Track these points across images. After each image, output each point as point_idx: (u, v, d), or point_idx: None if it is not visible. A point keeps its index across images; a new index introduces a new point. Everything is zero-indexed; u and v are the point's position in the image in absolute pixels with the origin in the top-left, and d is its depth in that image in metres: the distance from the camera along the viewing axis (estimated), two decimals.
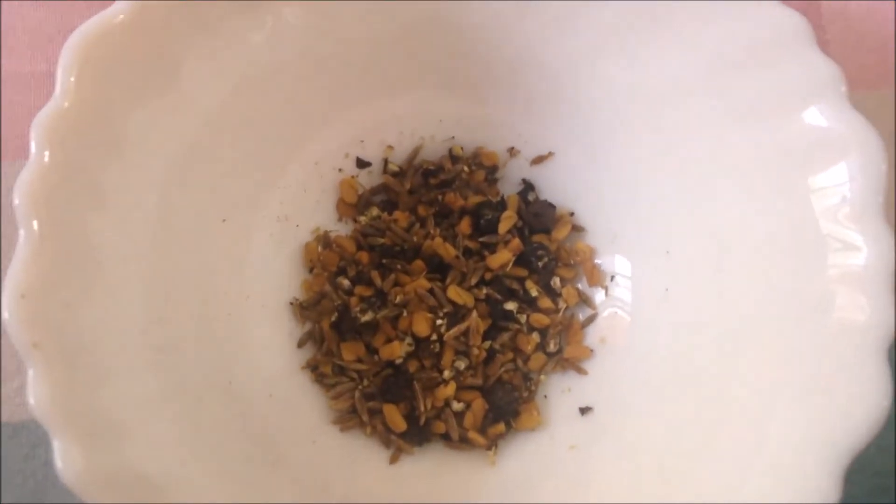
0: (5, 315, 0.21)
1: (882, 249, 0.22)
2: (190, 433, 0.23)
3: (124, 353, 0.22)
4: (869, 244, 0.23)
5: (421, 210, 0.30)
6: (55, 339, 0.21)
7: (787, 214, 0.24)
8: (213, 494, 0.22)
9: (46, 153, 0.22)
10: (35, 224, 0.22)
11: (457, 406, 0.28)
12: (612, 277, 0.29)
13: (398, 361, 0.28)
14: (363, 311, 0.28)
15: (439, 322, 0.28)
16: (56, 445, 0.20)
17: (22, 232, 0.21)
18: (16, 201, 0.22)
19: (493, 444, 0.28)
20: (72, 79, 0.23)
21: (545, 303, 0.29)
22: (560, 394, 0.29)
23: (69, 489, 0.20)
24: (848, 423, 0.22)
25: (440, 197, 0.30)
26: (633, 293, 0.29)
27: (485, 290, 0.29)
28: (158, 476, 0.21)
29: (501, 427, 0.28)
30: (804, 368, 0.23)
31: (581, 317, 0.30)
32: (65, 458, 0.20)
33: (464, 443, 0.28)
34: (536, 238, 0.30)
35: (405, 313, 0.28)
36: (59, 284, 0.22)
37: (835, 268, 0.23)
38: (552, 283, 0.30)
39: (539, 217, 0.30)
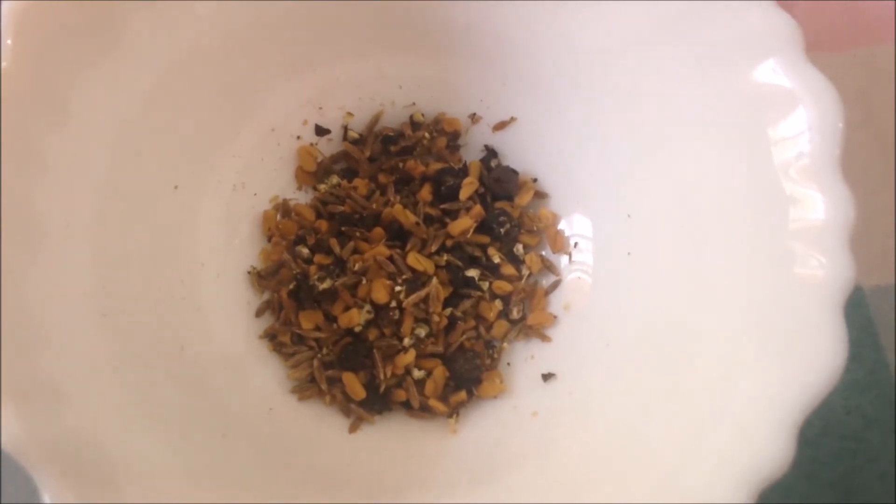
0: None
1: (839, 205, 0.22)
2: (140, 400, 0.23)
3: (69, 318, 0.22)
4: (826, 200, 0.23)
5: (381, 178, 0.30)
6: None
7: (747, 169, 0.24)
8: (165, 461, 0.22)
9: None
10: None
11: (417, 374, 0.28)
12: (576, 244, 0.29)
13: (357, 329, 0.28)
14: (322, 280, 0.28)
15: (398, 289, 0.28)
16: None
17: None
18: None
19: (454, 411, 0.28)
20: (8, 41, 0.22)
21: (508, 270, 0.29)
22: (523, 361, 0.29)
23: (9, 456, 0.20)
24: (804, 379, 0.21)
25: (401, 164, 0.30)
26: (596, 258, 0.29)
27: (446, 258, 0.29)
28: (105, 443, 0.21)
29: (463, 395, 0.28)
30: (763, 326, 0.23)
31: (544, 283, 0.30)
32: (4, 426, 0.20)
33: (425, 411, 0.28)
34: (499, 205, 0.30)
35: (364, 281, 0.28)
36: (3, 254, 0.21)
37: (794, 223, 0.23)
38: (515, 249, 0.30)
39: (501, 183, 0.30)
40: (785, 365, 0.22)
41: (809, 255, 0.22)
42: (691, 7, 0.24)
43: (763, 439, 0.21)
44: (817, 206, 0.23)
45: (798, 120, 0.23)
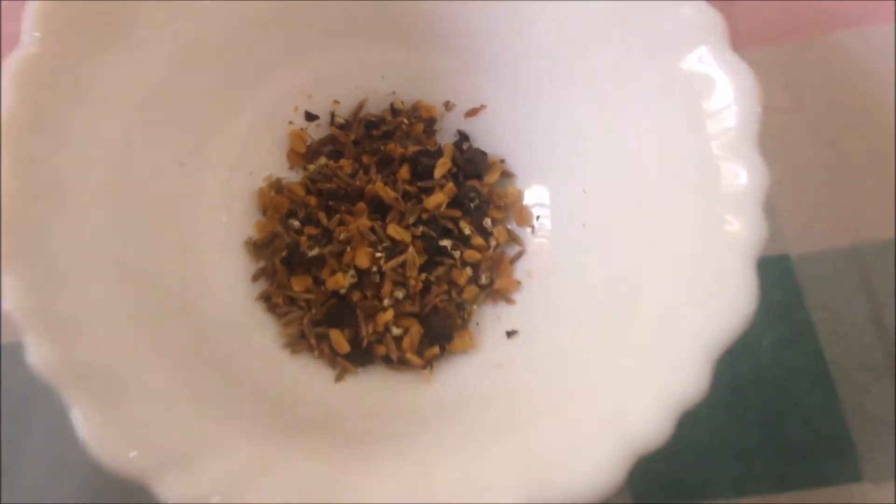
0: None
1: (756, 175, 0.25)
2: (150, 339, 0.26)
3: (89, 267, 0.25)
4: (746, 170, 0.26)
5: (364, 158, 0.33)
6: (25, 253, 0.24)
7: (685, 142, 0.27)
8: (174, 390, 0.25)
9: (15, 95, 0.25)
10: (6, 158, 0.25)
11: (396, 331, 0.31)
12: (538, 217, 0.33)
13: (342, 292, 0.31)
14: (311, 248, 0.31)
15: (379, 255, 0.31)
16: (27, 341, 0.23)
17: None
18: None
19: (428, 364, 0.31)
20: (36, 33, 0.26)
21: (477, 240, 0.33)
22: (491, 321, 0.32)
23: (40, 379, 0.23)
24: (724, 321, 0.24)
25: (382, 147, 0.33)
26: (555, 228, 0.32)
27: (421, 229, 0.32)
28: (120, 371, 0.24)
29: (436, 350, 0.31)
30: (695, 279, 0.26)
31: (510, 253, 0.33)
32: (34, 351, 0.23)
33: (402, 364, 0.31)
34: (470, 183, 0.33)
35: (349, 249, 0.31)
36: (28, 209, 0.24)
37: (724, 189, 0.26)
38: (484, 223, 0.33)
39: (472, 163, 0.33)
40: (709, 310, 0.24)
41: (733, 217, 0.25)
42: (636, 4, 0.28)
43: (690, 373, 0.24)
44: (740, 175, 0.25)
45: (724, 99, 0.26)
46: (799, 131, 0.33)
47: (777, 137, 0.33)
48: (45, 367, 0.23)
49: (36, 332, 0.23)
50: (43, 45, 0.25)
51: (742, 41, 0.33)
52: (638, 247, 0.28)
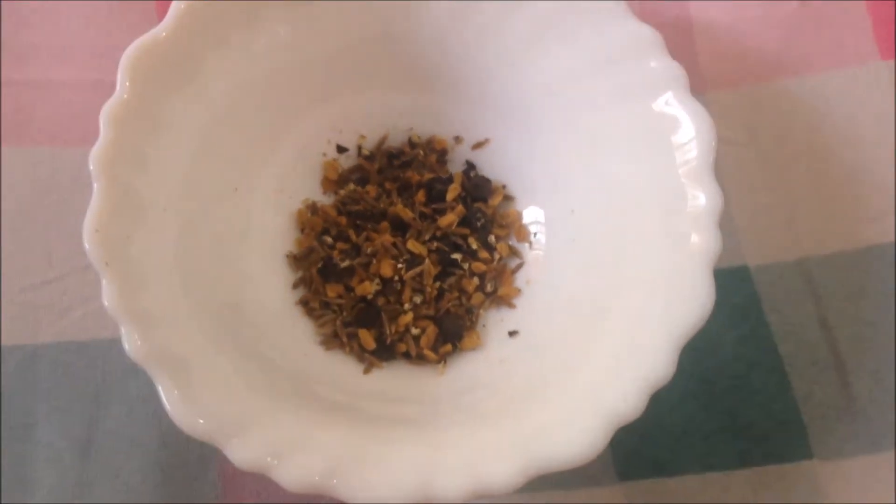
0: (86, 244, 0.29)
1: (712, 198, 0.30)
2: (211, 332, 0.30)
3: (162, 273, 0.30)
4: (705, 194, 0.30)
5: (387, 185, 0.38)
6: (118, 259, 0.29)
7: (657, 171, 0.31)
8: (232, 375, 0.30)
9: (110, 132, 0.30)
10: (101, 183, 0.30)
11: (415, 331, 0.36)
12: (535, 234, 0.38)
13: (369, 297, 0.36)
14: (342, 260, 0.36)
15: (400, 266, 0.36)
16: (122, 331, 0.28)
17: (94, 186, 0.30)
18: (90, 167, 0.30)
19: (442, 359, 0.35)
20: (127, 82, 0.31)
21: (483, 254, 0.37)
22: (495, 323, 0.36)
23: (129, 366, 0.28)
24: (687, 317, 0.29)
25: (402, 174, 0.38)
26: (548, 243, 0.37)
27: (436, 244, 0.37)
28: (187, 357, 0.29)
29: (449, 347, 0.36)
30: (664, 283, 0.30)
31: (512, 265, 0.38)
32: (128, 340, 0.28)
33: (420, 359, 0.35)
34: (476, 205, 0.38)
35: (374, 261, 0.36)
36: (118, 223, 0.29)
37: (688, 209, 0.31)
38: (489, 239, 0.38)
39: (478, 188, 0.38)
40: (676, 306, 0.29)
41: (695, 232, 0.30)
42: (615, 58, 0.34)
43: (660, 359, 0.29)
44: (700, 198, 0.30)
45: (687, 135, 0.31)
46: (754, 161, 0.38)
47: (736, 167, 0.38)
48: (136, 353, 0.28)
49: (128, 324, 0.28)
50: (131, 90, 0.31)
51: (705, 85, 0.39)
52: (617, 258, 0.33)
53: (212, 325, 0.31)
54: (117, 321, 0.28)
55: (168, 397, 0.28)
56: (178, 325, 0.30)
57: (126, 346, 0.28)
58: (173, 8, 0.32)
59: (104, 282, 0.29)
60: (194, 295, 0.32)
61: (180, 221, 0.32)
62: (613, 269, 0.33)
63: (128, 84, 0.31)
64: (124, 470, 0.34)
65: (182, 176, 0.33)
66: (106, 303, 0.28)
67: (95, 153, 0.30)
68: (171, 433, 0.34)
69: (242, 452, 0.28)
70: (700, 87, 0.38)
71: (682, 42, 0.39)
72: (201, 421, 0.28)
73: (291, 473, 0.28)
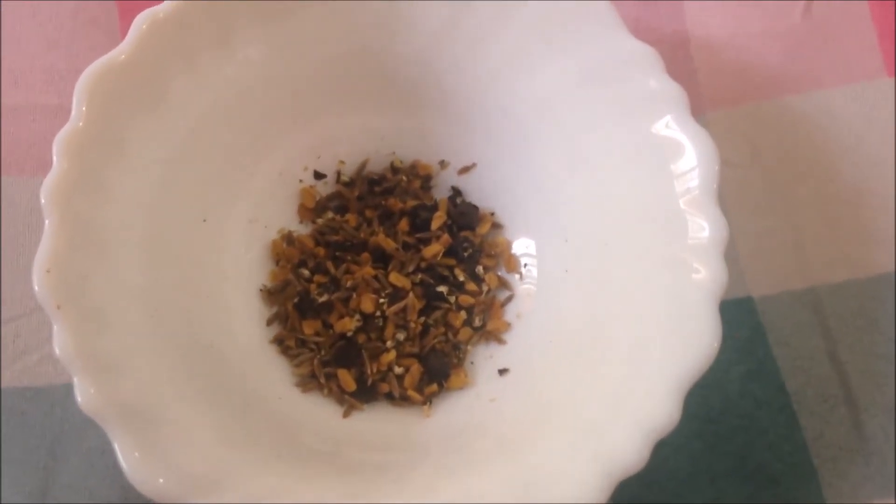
0: (35, 286, 0.27)
1: (717, 228, 0.29)
2: (178, 377, 0.28)
3: (126, 313, 0.28)
4: (708, 224, 0.29)
5: (368, 213, 0.36)
6: (73, 301, 0.27)
7: (656, 199, 0.30)
8: (200, 424, 0.28)
9: (64, 162, 0.28)
10: (54, 217, 0.28)
11: (398, 370, 0.34)
12: (525, 264, 0.36)
13: (349, 334, 0.34)
14: (320, 294, 0.34)
15: (382, 301, 0.34)
16: (76, 382, 0.26)
17: (46, 222, 0.27)
18: (42, 200, 0.28)
19: (427, 400, 0.34)
20: (83, 108, 0.29)
21: (471, 286, 0.36)
22: (484, 360, 0.35)
23: (87, 417, 0.26)
24: (691, 357, 0.27)
25: (383, 202, 0.36)
26: (540, 274, 0.35)
27: (420, 276, 0.35)
28: (152, 407, 0.27)
29: (435, 387, 0.34)
30: (664, 319, 0.29)
31: (501, 297, 0.36)
32: (81, 392, 0.26)
33: (404, 400, 0.34)
34: (463, 234, 0.36)
35: (354, 295, 0.34)
36: (74, 261, 0.27)
37: (690, 241, 0.29)
38: (477, 270, 0.36)
39: (465, 216, 0.36)
40: (678, 347, 0.27)
41: (699, 265, 0.28)
42: (610, 76, 0.31)
43: (663, 405, 0.27)
44: (704, 228, 0.29)
45: (687, 161, 0.29)
46: (756, 183, 0.36)
47: (738, 190, 0.36)
48: (89, 406, 0.26)
49: (82, 374, 0.26)
50: (88, 117, 0.29)
51: (705, 104, 0.37)
52: (615, 291, 0.31)
53: (180, 370, 0.29)
54: (69, 370, 0.26)
55: (124, 453, 0.26)
56: (142, 371, 0.28)
57: (78, 397, 0.26)
58: (134, 28, 0.30)
59: (55, 327, 0.26)
60: (161, 337, 0.29)
61: (145, 256, 0.30)
62: (610, 303, 0.31)
63: (84, 110, 0.29)
64: None
65: (147, 208, 0.31)
66: (57, 350, 0.26)
67: (48, 185, 0.28)
68: (134, 488, 0.31)
69: None
70: (699, 105, 0.36)
71: (679, 59, 0.37)
72: (161, 480, 0.26)
73: None
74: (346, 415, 0.33)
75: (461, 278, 0.35)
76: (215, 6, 0.31)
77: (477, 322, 0.35)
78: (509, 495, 0.27)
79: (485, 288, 0.36)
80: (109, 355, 0.27)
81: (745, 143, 0.37)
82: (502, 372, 0.34)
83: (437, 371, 0.34)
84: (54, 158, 0.28)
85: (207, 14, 0.31)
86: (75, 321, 0.27)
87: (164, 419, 0.27)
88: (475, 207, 0.36)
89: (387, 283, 0.35)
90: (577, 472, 0.27)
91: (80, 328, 0.27)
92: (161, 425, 0.27)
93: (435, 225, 0.36)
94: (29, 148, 0.36)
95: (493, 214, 0.36)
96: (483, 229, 0.36)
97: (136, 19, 0.29)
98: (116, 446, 0.26)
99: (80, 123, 0.29)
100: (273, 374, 0.33)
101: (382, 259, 0.35)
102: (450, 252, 0.36)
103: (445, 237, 0.35)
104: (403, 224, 0.36)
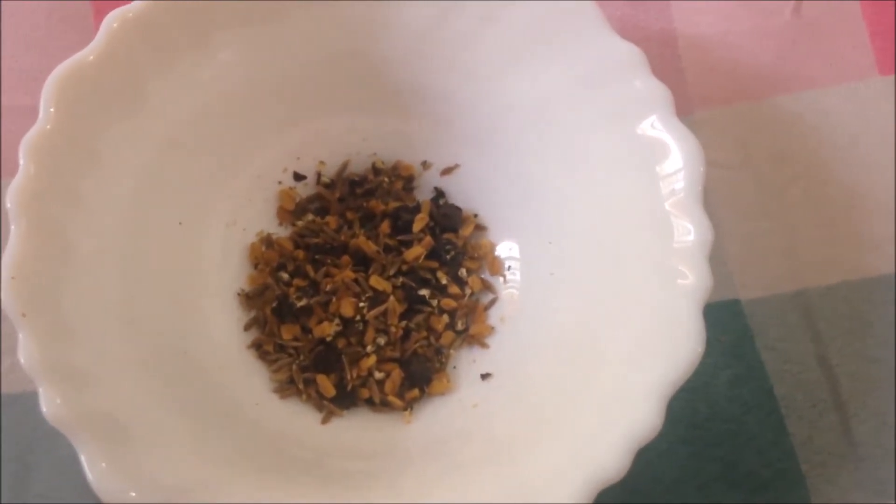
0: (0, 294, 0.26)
1: (701, 231, 0.28)
2: (153, 387, 0.28)
3: (96, 320, 0.28)
4: (694, 227, 0.28)
5: (349, 215, 0.36)
6: (38, 310, 0.26)
7: (642, 201, 0.29)
8: (176, 434, 0.27)
9: (32, 166, 0.27)
10: (21, 222, 0.27)
11: (378, 375, 0.33)
12: (509, 267, 0.35)
13: (329, 339, 0.33)
14: (299, 298, 0.34)
15: (362, 305, 0.34)
16: (40, 391, 0.25)
17: (12, 228, 0.27)
18: (7, 205, 0.27)
19: (409, 406, 0.33)
20: (51, 109, 0.28)
21: (454, 289, 0.35)
22: (467, 364, 0.34)
23: (54, 427, 0.25)
24: (675, 363, 0.27)
25: (365, 203, 0.36)
26: (525, 278, 0.34)
27: (401, 280, 0.34)
28: (123, 417, 0.26)
29: (416, 392, 0.33)
30: (650, 326, 0.28)
31: (484, 300, 0.35)
32: (46, 402, 0.25)
33: (384, 405, 0.33)
34: (446, 236, 0.35)
35: (334, 299, 0.34)
36: (41, 268, 0.27)
37: (676, 244, 0.28)
38: (459, 273, 0.35)
39: (448, 218, 0.36)
40: (663, 354, 0.27)
41: (684, 268, 0.28)
42: (595, 77, 0.31)
43: (645, 411, 0.26)
44: (689, 232, 0.28)
45: (673, 163, 0.29)
46: (747, 185, 0.35)
47: (728, 191, 0.35)
48: (55, 416, 0.25)
49: (47, 383, 0.26)
50: (56, 119, 0.28)
51: (694, 104, 0.36)
52: (599, 295, 0.31)
53: (155, 379, 0.29)
54: (34, 380, 0.25)
55: (90, 464, 0.25)
56: (113, 380, 0.27)
57: (43, 407, 0.25)
58: (103, 28, 0.29)
59: (20, 335, 0.26)
60: (134, 344, 0.29)
61: (119, 262, 0.30)
62: (594, 307, 0.31)
63: (52, 111, 0.28)
64: None
65: (121, 211, 0.30)
66: (22, 359, 0.26)
67: (13, 189, 0.27)
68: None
69: None
70: (687, 105, 0.35)
71: (666, 57, 0.36)
72: (133, 494, 0.25)
73: None
74: (324, 421, 0.33)
75: (443, 281, 0.35)
76: (187, 6, 0.30)
77: (460, 326, 0.35)
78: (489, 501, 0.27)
79: (468, 291, 0.35)
80: (77, 364, 0.26)
81: (736, 143, 0.36)
82: (485, 376, 0.33)
83: (418, 376, 0.34)
84: (20, 161, 0.27)
85: (180, 14, 0.30)
86: (41, 329, 0.26)
87: (135, 429, 0.27)
88: (458, 209, 0.36)
89: (367, 286, 0.34)
90: (558, 481, 0.27)
91: (45, 336, 0.26)
92: (132, 435, 0.26)
93: (417, 227, 0.35)
94: (10, 150, 0.35)
95: (476, 216, 0.36)
96: (466, 231, 0.35)
97: (106, 19, 0.29)
98: (82, 457, 0.25)
99: (48, 126, 0.28)
100: (251, 379, 0.33)
101: (363, 262, 0.35)
102: (432, 254, 0.35)
103: (428, 239, 0.35)
104: (385, 226, 0.35)
